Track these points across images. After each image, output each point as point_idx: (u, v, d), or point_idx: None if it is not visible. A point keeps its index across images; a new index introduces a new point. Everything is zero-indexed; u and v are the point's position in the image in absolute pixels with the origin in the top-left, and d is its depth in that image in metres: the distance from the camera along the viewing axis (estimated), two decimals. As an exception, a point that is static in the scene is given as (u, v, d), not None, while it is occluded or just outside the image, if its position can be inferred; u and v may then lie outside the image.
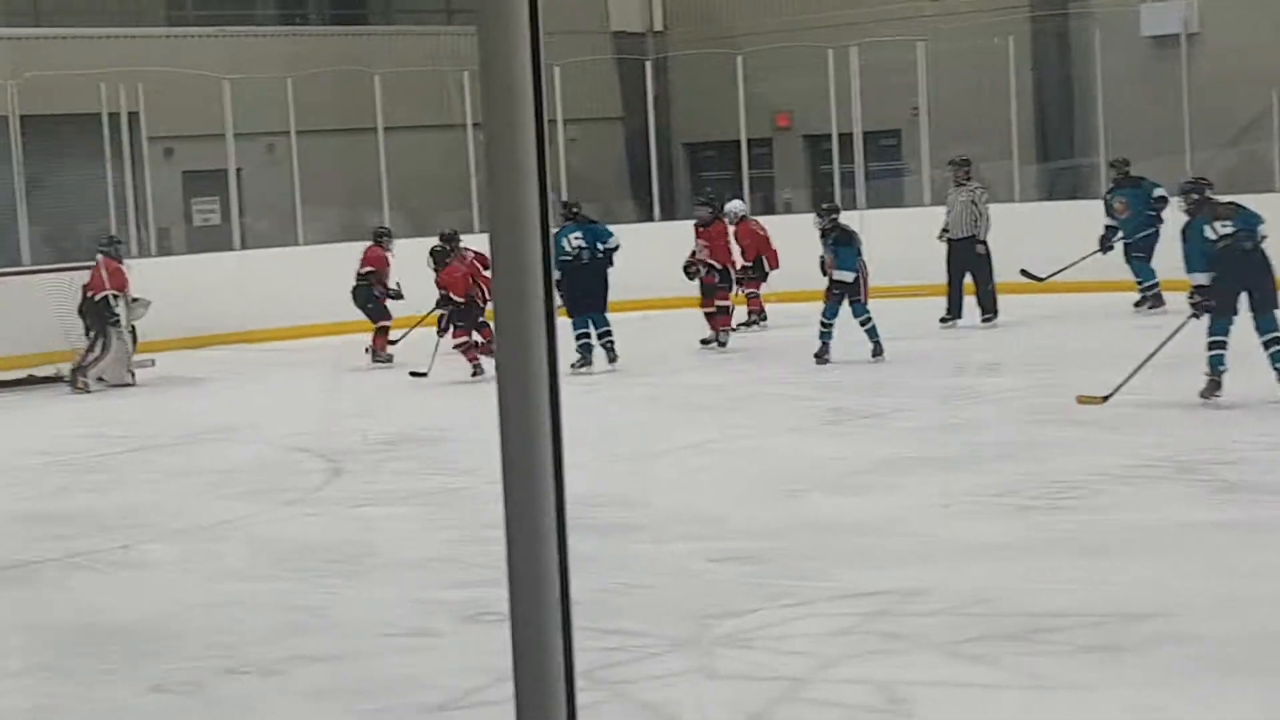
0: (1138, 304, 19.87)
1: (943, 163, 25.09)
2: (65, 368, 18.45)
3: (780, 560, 9.11)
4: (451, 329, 17.66)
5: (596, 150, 28.21)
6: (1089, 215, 21.13)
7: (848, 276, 16.58)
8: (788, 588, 8.52)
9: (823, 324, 16.71)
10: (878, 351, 16.68)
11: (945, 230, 20.21)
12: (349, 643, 8.21)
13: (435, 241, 18.95)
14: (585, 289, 17.75)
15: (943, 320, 19.68)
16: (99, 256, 18.72)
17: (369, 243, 20.20)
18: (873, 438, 12.99)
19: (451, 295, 17.64)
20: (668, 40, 29.70)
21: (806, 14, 27.31)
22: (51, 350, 18.67)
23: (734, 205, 21.52)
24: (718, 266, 18.89)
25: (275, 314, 20.94)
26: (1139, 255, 20.02)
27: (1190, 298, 13.34)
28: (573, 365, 17.15)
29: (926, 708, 6.73)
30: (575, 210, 18.74)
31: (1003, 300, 19.44)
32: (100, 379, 18.11)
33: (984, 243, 19.76)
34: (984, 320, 19.49)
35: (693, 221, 20.45)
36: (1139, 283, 20.04)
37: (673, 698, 7.02)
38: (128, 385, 18.18)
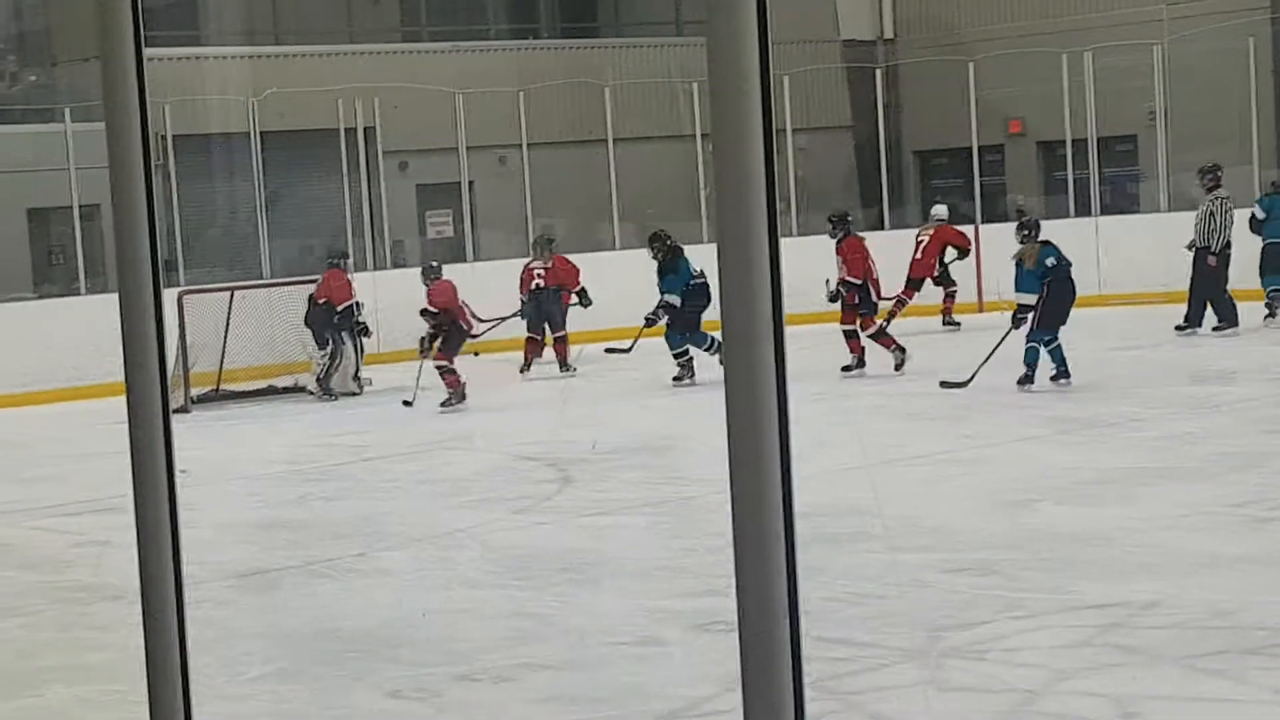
0: None
1: (1181, 168, 24.67)
2: (303, 378, 18.84)
3: (1012, 571, 9.00)
4: (434, 349, 17.54)
5: (826, 159, 28.15)
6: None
7: (1028, 299, 15.77)
8: (1020, 599, 8.41)
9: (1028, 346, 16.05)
10: (1060, 375, 15.69)
11: (1193, 240, 19.84)
12: (578, 651, 8.26)
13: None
14: (699, 309, 18.20)
15: (1179, 328, 19.30)
16: (330, 268, 19.13)
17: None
18: (1104, 448, 12.78)
19: (440, 312, 17.59)
20: (898, 48, 29.55)
21: (1039, 19, 27.01)
22: (291, 361, 19.05)
23: (937, 210, 22.48)
24: (857, 282, 18.27)
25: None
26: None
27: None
28: (675, 379, 17.90)
29: (1166, 722, 6.61)
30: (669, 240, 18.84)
31: (1245, 308, 18.97)
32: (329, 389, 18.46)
33: (1215, 254, 19.31)
34: (1216, 329, 19.09)
35: (916, 230, 20.49)
36: None
37: (903, 709, 6.97)
38: (354, 395, 18.50)
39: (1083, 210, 24.42)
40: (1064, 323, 15.66)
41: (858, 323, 17.87)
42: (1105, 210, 24.67)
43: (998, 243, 23.39)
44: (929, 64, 27.53)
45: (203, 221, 24.02)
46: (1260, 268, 19.72)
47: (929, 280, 21.93)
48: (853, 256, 18.08)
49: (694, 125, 24.26)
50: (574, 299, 20.44)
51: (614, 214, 24.95)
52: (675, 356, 18.23)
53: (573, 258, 22.08)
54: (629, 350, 19.56)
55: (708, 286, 18.22)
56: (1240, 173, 24.13)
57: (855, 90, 28.72)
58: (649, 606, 8.93)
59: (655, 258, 18.74)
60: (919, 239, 22.39)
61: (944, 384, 15.98)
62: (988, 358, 15.47)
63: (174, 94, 22.91)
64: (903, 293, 21.47)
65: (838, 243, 18.24)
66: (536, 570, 10.03)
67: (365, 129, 24.53)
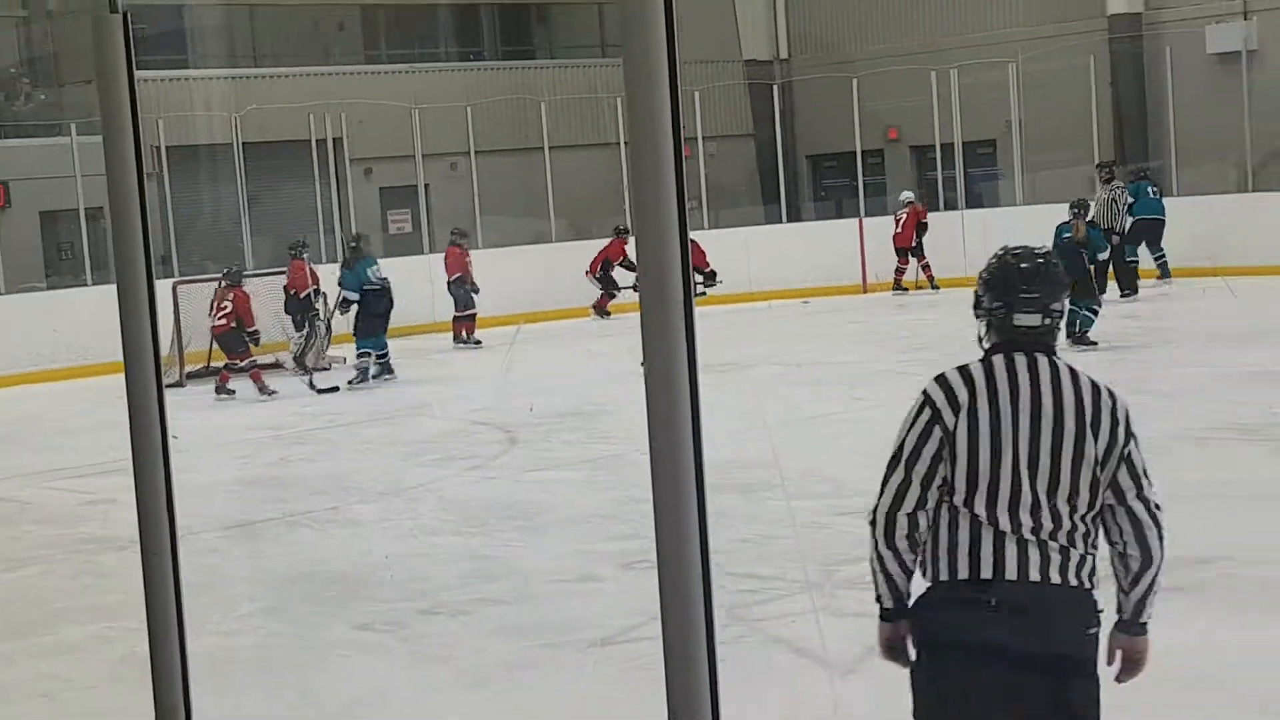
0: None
1: (1033, 168, 24.91)
2: (283, 356, 18.73)
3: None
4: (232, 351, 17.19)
5: (732, 163, 28.21)
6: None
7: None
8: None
9: None
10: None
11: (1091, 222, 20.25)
12: (526, 587, 8.27)
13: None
14: (380, 314, 17.59)
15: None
16: (292, 259, 19.07)
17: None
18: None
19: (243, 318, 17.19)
20: (792, 66, 29.60)
21: (913, 40, 27.14)
22: (273, 341, 18.93)
23: (905, 195, 23.06)
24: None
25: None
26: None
27: None
28: (350, 381, 17.12)
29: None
30: (358, 244, 18.56)
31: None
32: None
33: (1120, 234, 19.95)
34: (1123, 295, 19.60)
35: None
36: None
37: (801, 633, 7.00)
38: (324, 370, 18.33)
39: (951, 205, 24.60)
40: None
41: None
42: (970, 205, 24.85)
43: (881, 232, 23.65)
44: (819, 80, 27.60)
45: (193, 221, 23.85)
46: (1134, 239, 20.49)
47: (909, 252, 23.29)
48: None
49: (618, 134, 24.25)
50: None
51: (550, 212, 24.96)
52: (358, 356, 17.47)
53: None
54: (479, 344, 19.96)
55: (386, 292, 17.69)
56: (1083, 171, 24.35)
57: (756, 103, 28.77)
58: (585, 549, 8.95)
59: (344, 257, 18.30)
60: (897, 216, 23.45)
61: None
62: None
63: (167, 110, 22.76)
64: (900, 263, 23.18)
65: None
66: (488, 519, 10.02)
67: (334, 140, 24.46)
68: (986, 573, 3.61)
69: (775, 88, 27.07)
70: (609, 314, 21.57)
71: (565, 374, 17.17)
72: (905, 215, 23.18)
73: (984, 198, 25.77)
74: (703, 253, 17.64)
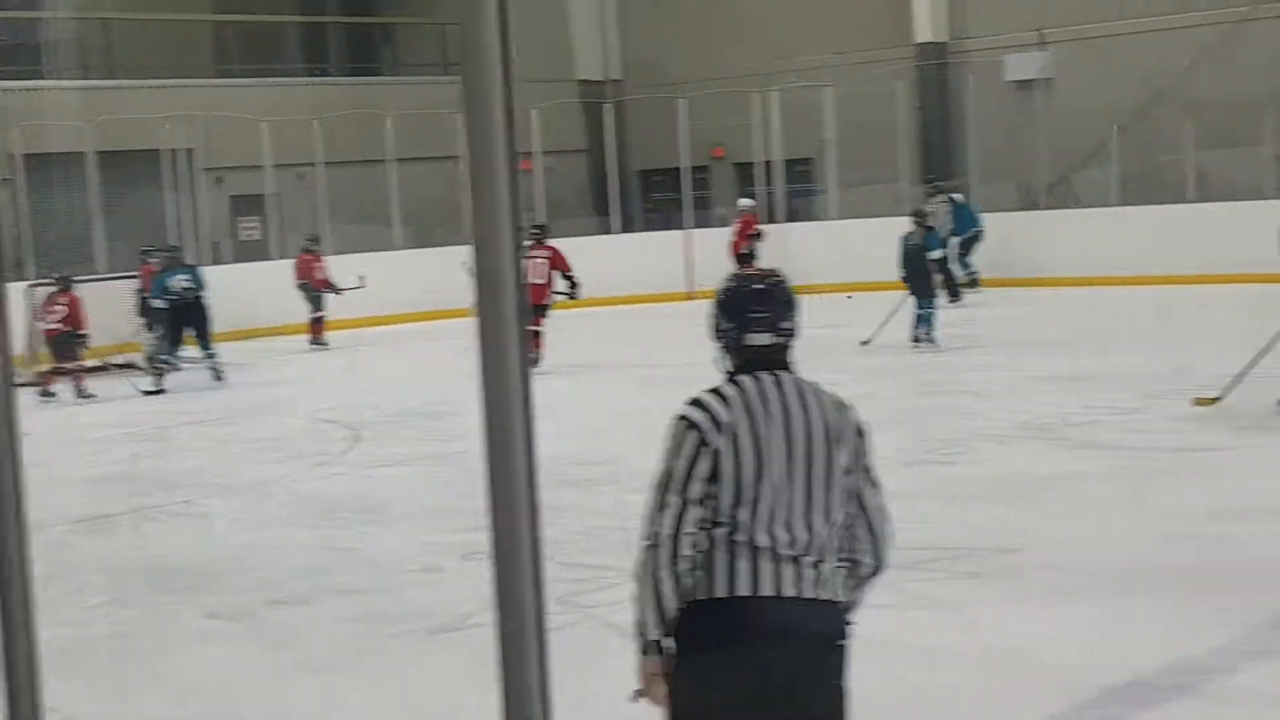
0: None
1: (847, 185, 25.30)
2: (135, 357, 18.38)
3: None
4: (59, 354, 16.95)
5: (567, 177, 28.24)
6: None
7: None
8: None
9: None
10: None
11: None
12: (371, 578, 8.21)
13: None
14: (193, 323, 17.35)
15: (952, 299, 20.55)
16: (142, 264, 18.79)
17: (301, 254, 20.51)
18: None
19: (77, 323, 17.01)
20: (624, 87, 29.71)
21: (736, 64, 27.39)
22: (124, 342, 18.58)
23: (742, 202, 22.97)
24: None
25: (302, 311, 20.84)
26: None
27: None
28: (150, 389, 16.78)
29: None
30: (175, 254, 18.47)
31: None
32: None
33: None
34: (951, 302, 19.92)
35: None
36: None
37: (630, 618, 7.02)
38: (177, 370, 17.95)
39: (771, 219, 24.86)
40: None
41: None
42: (790, 218, 25.14)
43: (709, 243, 23.84)
44: (649, 100, 27.75)
45: (47, 227, 23.29)
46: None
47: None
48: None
49: (460, 148, 24.12)
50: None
51: (394, 220, 24.81)
52: (152, 363, 17.22)
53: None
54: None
55: (191, 303, 17.35)
56: (891, 188, 24.80)
57: (590, 120, 28.83)
58: (428, 541, 8.90)
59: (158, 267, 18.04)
60: (733, 224, 23.51)
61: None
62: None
63: (24, 119, 22.23)
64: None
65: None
66: (336, 513, 9.93)
67: (186, 150, 24.08)
68: (744, 590, 3.49)
69: (608, 107, 27.17)
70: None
71: (410, 375, 17.06)
72: (739, 223, 23.30)
73: (801, 212, 26.09)
74: (564, 258, 17.58)
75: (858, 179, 25.79)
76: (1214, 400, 11.25)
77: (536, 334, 16.10)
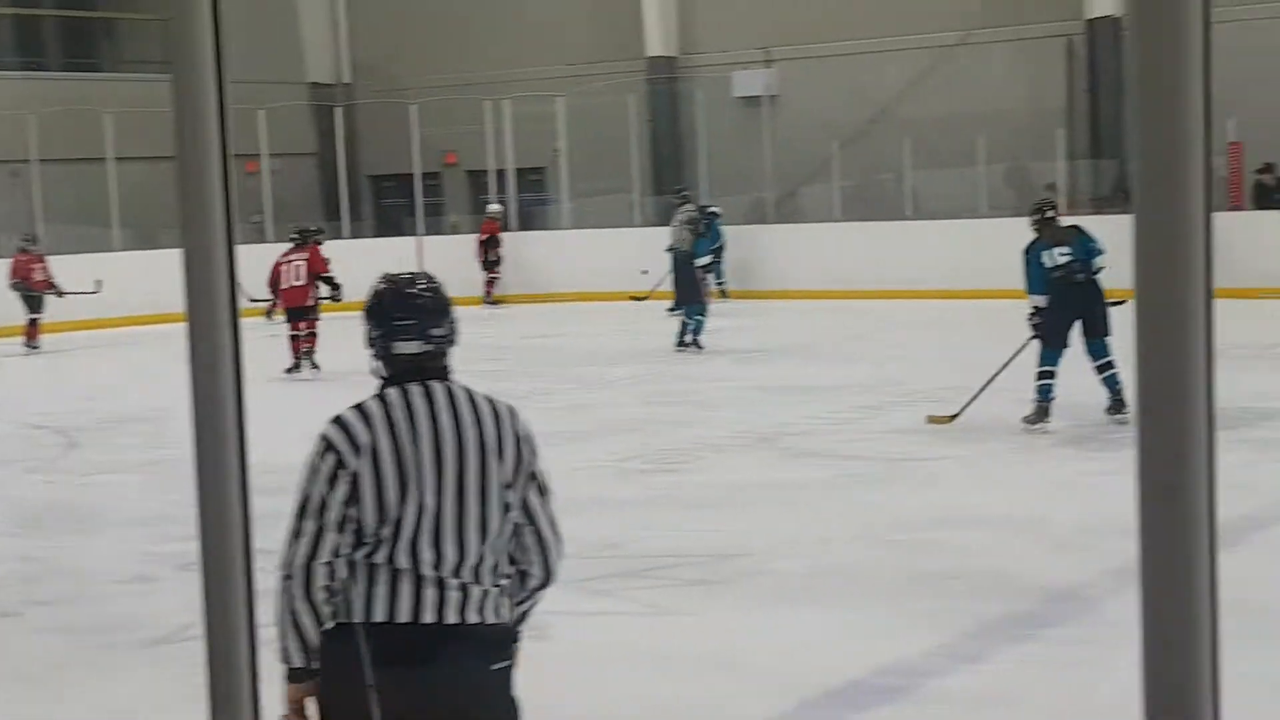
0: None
1: (579, 194, 25.48)
2: None
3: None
4: None
5: (296, 179, 27.76)
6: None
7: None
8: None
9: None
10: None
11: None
12: (82, 588, 7.93)
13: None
14: None
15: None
16: None
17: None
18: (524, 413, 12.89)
19: None
20: (355, 90, 29.37)
21: (469, 71, 27.33)
22: None
23: (492, 208, 22.75)
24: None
25: (15, 312, 20.07)
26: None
27: (1030, 319, 11.06)
28: None
29: (566, 632, 6.76)
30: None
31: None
32: None
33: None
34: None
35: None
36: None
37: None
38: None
39: (503, 226, 24.85)
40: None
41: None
42: (522, 227, 25.16)
43: (441, 250, 23.71)
44: (380, 104, 27.50)
45: None
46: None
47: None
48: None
49: (184, 148, 23.49)
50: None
51: (113, 220, 24.06)
52: None
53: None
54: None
55: None
56: (623, 198, 25.08)
57: (320, 123, 28.40)
58: (143, 550, 8.64)
59: None
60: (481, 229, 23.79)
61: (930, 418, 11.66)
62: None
63: None
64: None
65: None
66: (45, 521, 9.57)
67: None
68: (380, 615, 3.35)
69: (338, 110, 26.82)
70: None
71: (128, 380, 16.54)
72: (483, 229, 23.29)
73: (534, 221, 26.16)
74: (323, 261, 17.28)
75: (589, 189, 26.00)
76: (950, 418, 11.32)
77: (298, 337, 16.09)
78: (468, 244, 24.23)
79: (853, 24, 24.62)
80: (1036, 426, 10.88)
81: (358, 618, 3.37)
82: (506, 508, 3.47)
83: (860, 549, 8.03)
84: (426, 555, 3.37)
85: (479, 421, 3.49)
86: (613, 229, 24.76)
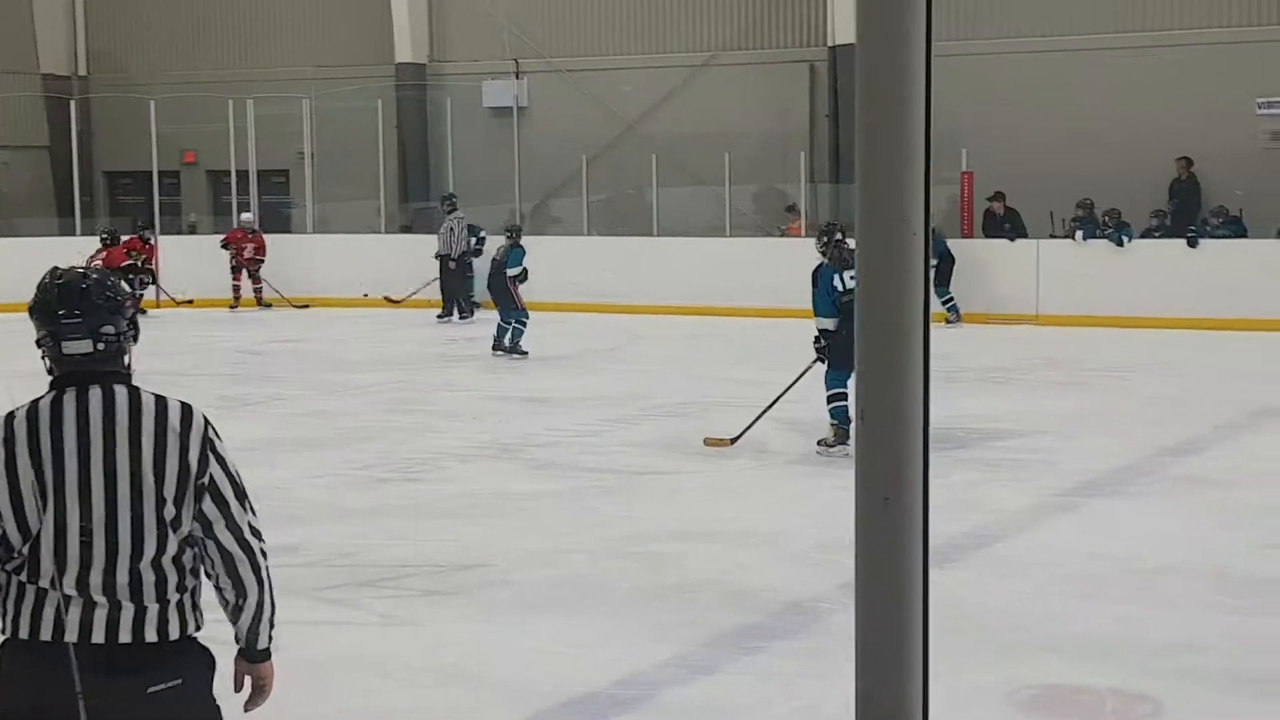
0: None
1: (325, 199, 25.19)
2: None
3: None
4: None
5: (27, 173, 26.83)
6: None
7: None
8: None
9: None
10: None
11: (439, 250, 21.51)
12: None
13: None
14: None
15: (439, 317, 20.91)
16: None
17: None
18: (254, 421, 12.72)
19: None
20: (90, 83, 28.49)
21: (211, 69, 26.80)
22: None
23: (244, 217, 22.19)
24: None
25: None
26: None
27: (815, 342, 10.91)
28: None
29: (296, 642, 6.65)
30: None
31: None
32: None
33: (456, 260, 21.33)
34: (462, 318, 20.92)
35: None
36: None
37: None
38: None
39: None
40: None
41: None
42: (266, 229, 24.67)
43: (175, 251, 23.19)
44: (117, 98, 26.75)
45: None
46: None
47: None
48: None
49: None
50: None
51: None
52: None
53: None
54: None
55: None
56: (370, 205, 24.85)
57: (53, 115, 27.47)
58: None
59: None
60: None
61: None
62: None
63: None
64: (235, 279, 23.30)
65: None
66: None
67: None
68: (45, 636, 3.18)
69: (73, 103, 25.98)
70: None
71: None
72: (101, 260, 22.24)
73: (276, 224, 25.72)
74: (152, 249, 17.67)
75: (336, 194, 25.69)
76: (731, 441, 11.13)
77: None
78: (206, 243, 23.73)
79: (604, 40, 24.85)
80: (835, 449, 10.69)
81: (9, 633, 3.25)
82: (173, 521, 3.27)
83: (598, 561, 8.09)
84: (70, 572, 3.20)
85: (137, 429, 3.26)
86: (359, 234, 24.53)
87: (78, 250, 18.07)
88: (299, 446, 11.40)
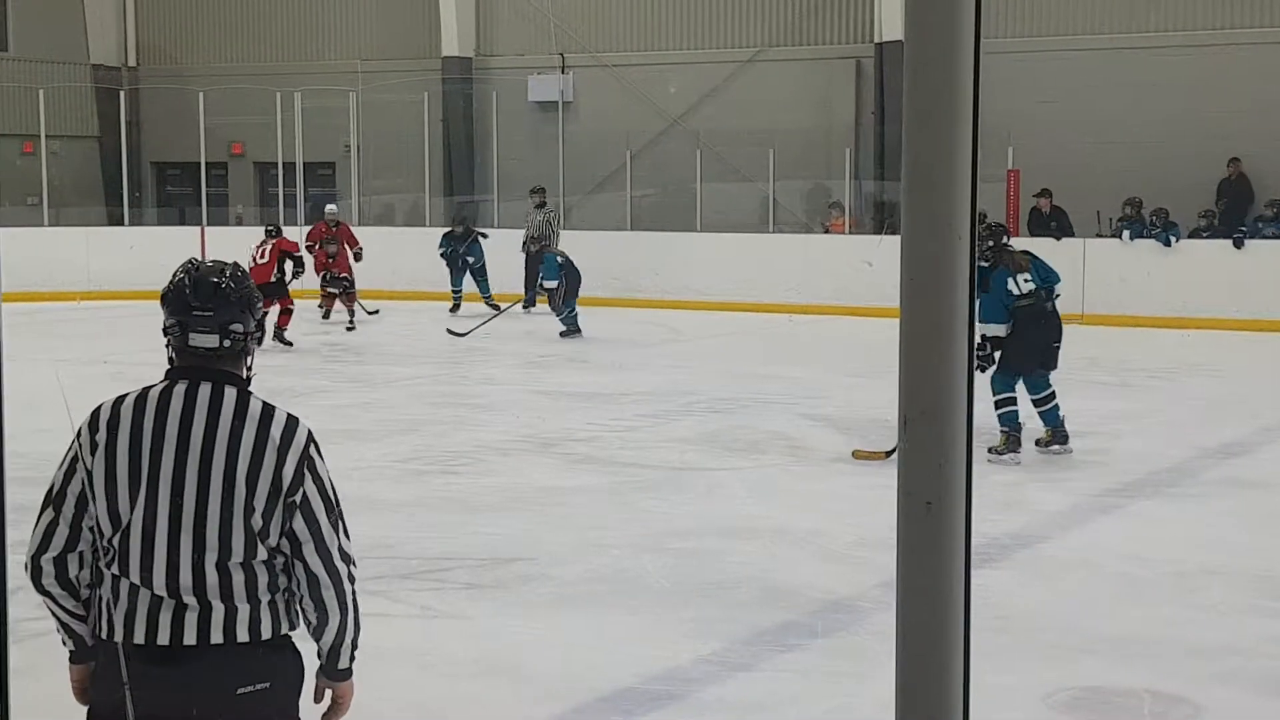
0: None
1: (370, 191, 25.24)
2: None
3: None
4: None
5: (77, 163, 26.99)
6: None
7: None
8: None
9: None
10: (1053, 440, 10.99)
11: (525, 242, 21.34)
12: None
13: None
14: None
15: (526, 307, 20.76)
16: None
17: None
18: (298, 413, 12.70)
19: None
20: (140, 74, 28.65)
21: (259, 61, 26.92)
22: None
23: (330, 208, 21.03)
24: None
25: None
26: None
27: (979, 349, 9.96)
28: None
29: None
30: None
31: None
32: None
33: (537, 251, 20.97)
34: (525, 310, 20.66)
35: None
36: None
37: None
38: None
39: (290, 221, 24.46)
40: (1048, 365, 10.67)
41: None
42: (309, 222, 24.80)
43: (225, 240, 23.24)
44: (166, 90, 26.89)
45: None
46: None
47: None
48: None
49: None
50: None
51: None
52: None
53: None
54: None
55: None
56: (416, 198, 24.90)
57: (103, 107, 27.64)
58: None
59: None
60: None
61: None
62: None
63: None
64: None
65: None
66: None
67: None
68: (139, 638, 3.17)
69: (122, 93, 26.15)
70: None
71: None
72: (269, 247, 19.77)
73: (322, 217, 25.80)
74: (354, 238, 18.44)
75: (381, 187, 25.77)
76: (884, 455, 10.36)
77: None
78: (253, 235, 23.80)
79: (650, 35, 24.83)
80: (1006, 456, 10.35)
81: (101, 632, 3.24)
82: (260, 532, 3.21)
83: (637, 556, 8.08)
84: (159, 569, 3.17)
85: (238, 435, 3.22)
86: (403, 228, 24.60)
87: (247, 241, 18.09)
88: (340, 439, 11.43)
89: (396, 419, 12.46)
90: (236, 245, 22.79)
